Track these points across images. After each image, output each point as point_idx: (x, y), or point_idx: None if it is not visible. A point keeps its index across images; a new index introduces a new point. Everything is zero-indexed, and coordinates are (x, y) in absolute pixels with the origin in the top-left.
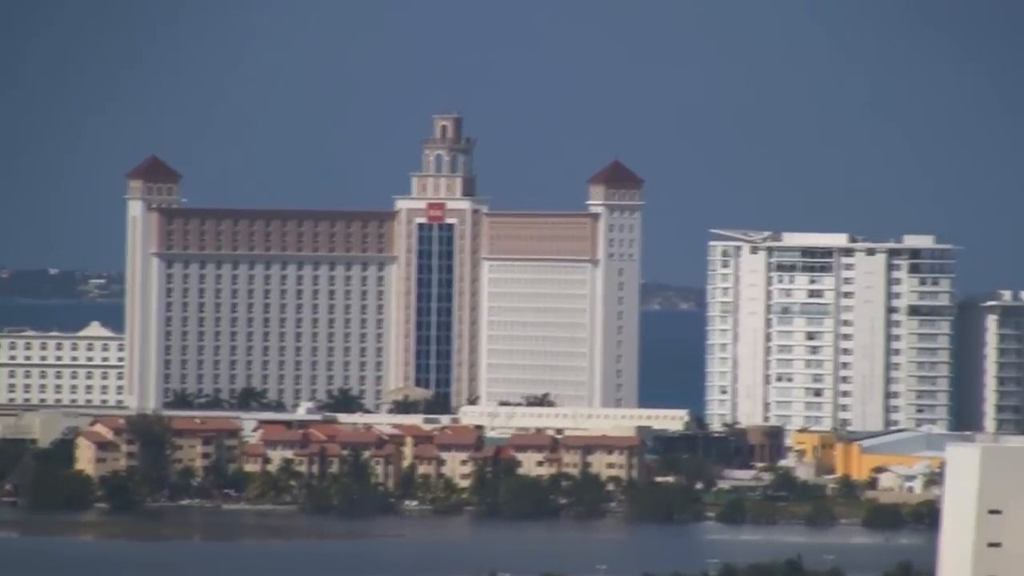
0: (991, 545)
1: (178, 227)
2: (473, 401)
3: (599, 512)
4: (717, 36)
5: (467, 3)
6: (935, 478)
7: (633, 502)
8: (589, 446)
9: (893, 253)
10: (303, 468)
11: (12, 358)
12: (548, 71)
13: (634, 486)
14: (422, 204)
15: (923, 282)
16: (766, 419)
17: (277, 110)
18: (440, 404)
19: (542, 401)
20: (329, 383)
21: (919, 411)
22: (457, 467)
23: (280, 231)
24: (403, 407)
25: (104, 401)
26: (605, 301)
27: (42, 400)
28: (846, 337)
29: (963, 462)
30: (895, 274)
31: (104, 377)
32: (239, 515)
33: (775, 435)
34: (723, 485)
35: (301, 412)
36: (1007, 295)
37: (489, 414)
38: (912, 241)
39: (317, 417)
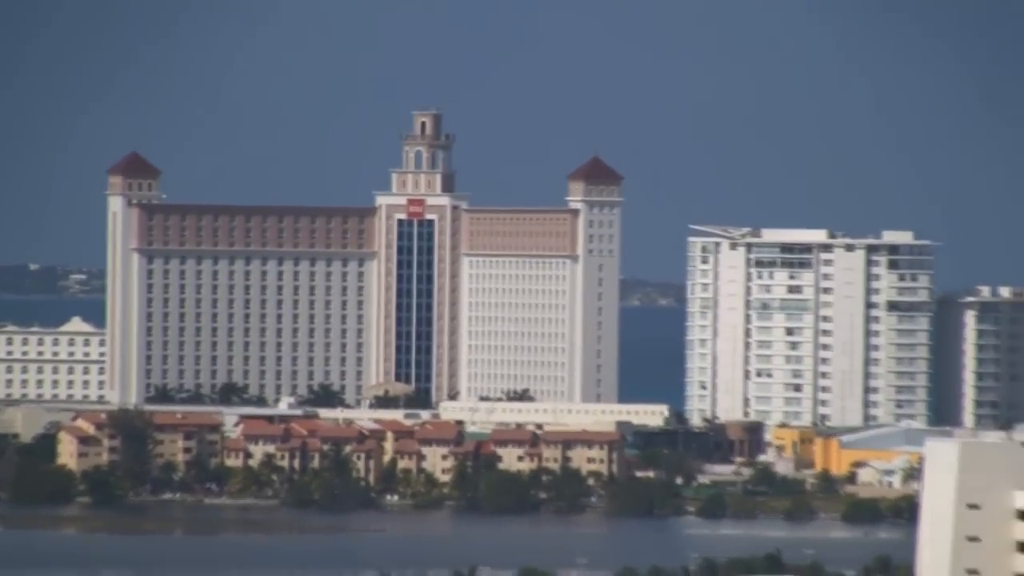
0: (970, 539)
1: (158, 223)
2: (453, 396)
3: (579, 507)
4: (696, 34)
5: (448, 1)
6: (914, 473)
7: (613, 497)
8: (569, 441)
9: (872, 249)
10: (284, 463)
11: None
12: (528, 68)
13: (614, 481)
14: (402, 200)
15: (902, 278)
16: (746, 414)
17: (257, 107)
18: (421, 399)
19: (522, 396)
20: (310, 378)
21: (898, 406)
22: (438, 462)
23: (260, 227)
24: (384, 402)
25: (86, 396)
26: (585, 297)
27: (24, 395)
28: (825, 333)
29: (942, 457)
30: (874, 270)
31: (86, 372)
32: (220, 509)
33: (755, 430)
34: (703, 480)
35: (282, 407)
36: (985, 291)
37: (470, 409)
38: (891, 237)
39: (298, 412)
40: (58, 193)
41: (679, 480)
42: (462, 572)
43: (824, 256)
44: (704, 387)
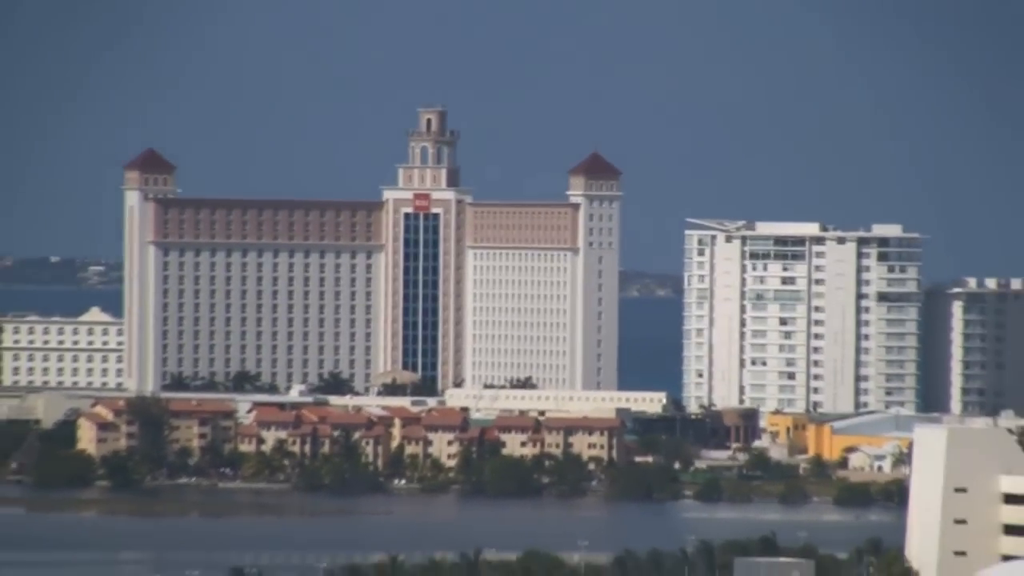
0: (957, 522)
1: (174, 217)
2: (459, 384)
3: (580, 491)
4: (693, 33)
5: (453, 3)
6: (903, 458)
7: (613, 481)
8: (571, 427)
9: (863, 242)
10: (296, 448)
11: (16, 342)
12: (530, 67)
13: (614, 466)
14: (408, 194)
15: (891, 270)
16: (741, 401)
17: (269, 105)
18: (427, 387)
19: (525, 384)
20: (320, 367)
21: (888, 394)
22: (444, 447)
23: (272, 220)
24: (391, 390)
25: (104, 384)
26: (585, 288)
27: (45, 382)
28: (818, 323)
29: (930, 443)
30: (864, 262)
31: (104, 360)
32: (234, 493)
33: (750, 417)
34: (700, 465)
35: (293, 394)
36: (972, 282)
37: (474, 396)
38: (881, 230)
39: (309, 399)
40: (77, 188)
41: (677, 465)
42: (467, 554)
43: (816, 249)
44: (701, 375)
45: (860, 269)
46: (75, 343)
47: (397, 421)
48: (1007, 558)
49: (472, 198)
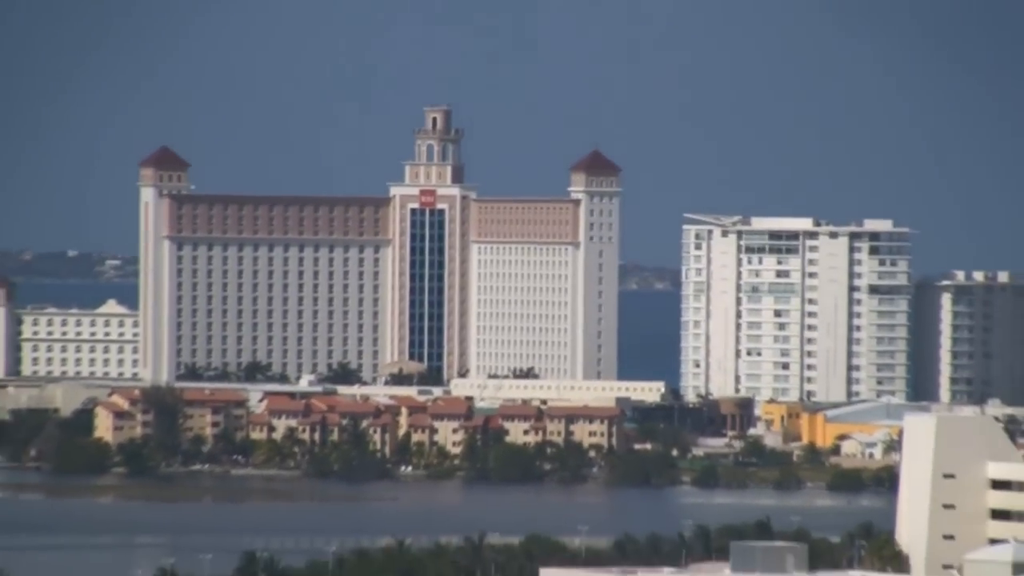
0: (946, 507)
1: (188, 212)
2: (464, 374)
3: (581, 477)
4: (691, 34)
5: (457, 5)
6: (894, 445)
7: (613, 468)
8: (572, 416)
9: (854, 236)
10: (305, 436)
11: (35, 333)
12: (532, 67)
13: (614, 453)
14: (415, 191)
15: (882, 263)
16: (737, 391)
17: (280, 104)
18: (433, 377)
19: (528, 374)
20: (329, 357)
21: (879, 383)
22: (449, 435)
23: (283, 216)
24: (398, 379)
25: (120, 374)
26: (586, 281)
27: (63, 373)
28: (811, 314)
29: (920, 430)
30: (856, 256)
31: (120, 351)
32: (246, 479)
33: (745, 405)
34: (697, 452)
35: (303, 384)
36: (960, 275)
37: (479, 386)
38: (872, 225)
39: (318, 389)
40: (94, 185)
41: (675, 452)
42: (472, 538)
43: (810, 243)
44: (698, 365)
45: (852, 262)
46: (92, 335)
47: (404, 410)
48: (994, 541)
49: (476, 194)
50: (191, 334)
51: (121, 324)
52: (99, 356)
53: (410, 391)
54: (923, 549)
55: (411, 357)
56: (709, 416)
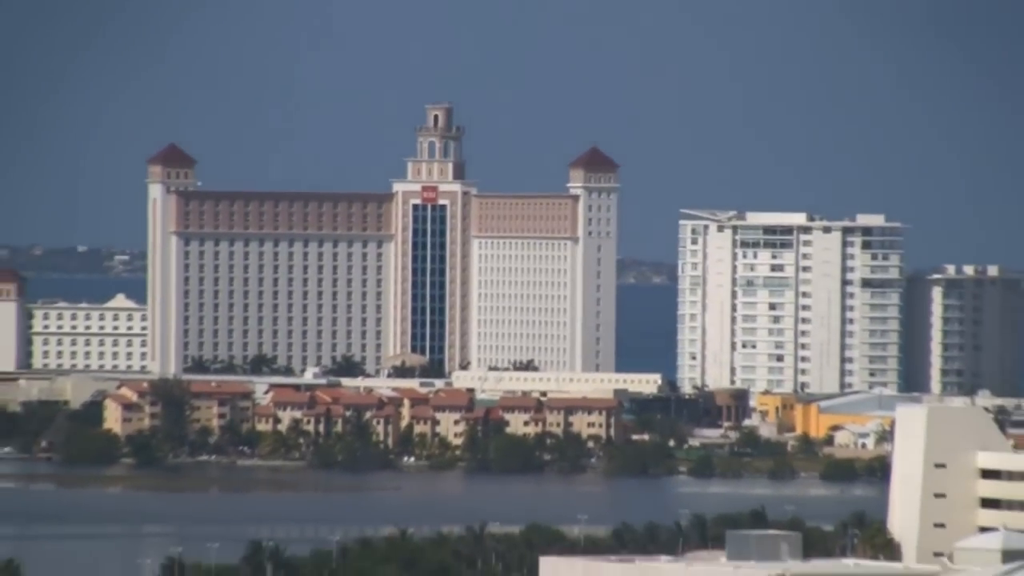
0: (937, 496)
1: (194, 208)
2: (465, 366)
3: (580, 467)
4: (688, 31)
5: (458, 5)
6: (886, 435)
7: (611, 458)
8: (571, 407)
9: (847, 231)
10: (310, 427)
11: (46, 327)
12: (531, 65)
13: (612, 444)
14: (417, 187)
15: (875, 257)
16: (732, 382)
17: (285, 102)
18: (435, 369)
19: (528, 366)
20: (333, 350)
21: (871, 375)
22: (450, 426)
23: (288, 211)
24: (401, 372)
25: (129, 366)
26: (584, 275)
27: (73, 365)
28: (805, 308)
29: (911, 421)
30: (849, 250)
31: (129, 345)
32: (252, 470)
33: (740, 397)
34: (693, 443)
35: (308, 376)
36: (951, 269)
37: (479, 378)
38: (864, 220)
39: (323, 381)
40: (103, 182)
41: (671, 443)
42: (473, 527)
43: (804, 237)
44: (694, 357)
45: (845, 257)
46: (101, 328)
47: (406, 401)
48: (983, 529)
49: (477, 190)
50: (198, 328)
51: (130, 318)
52: (108, 349)
53: (412, 383)
54: (915, 537)
55: (413, 350)
56: (705, 407)
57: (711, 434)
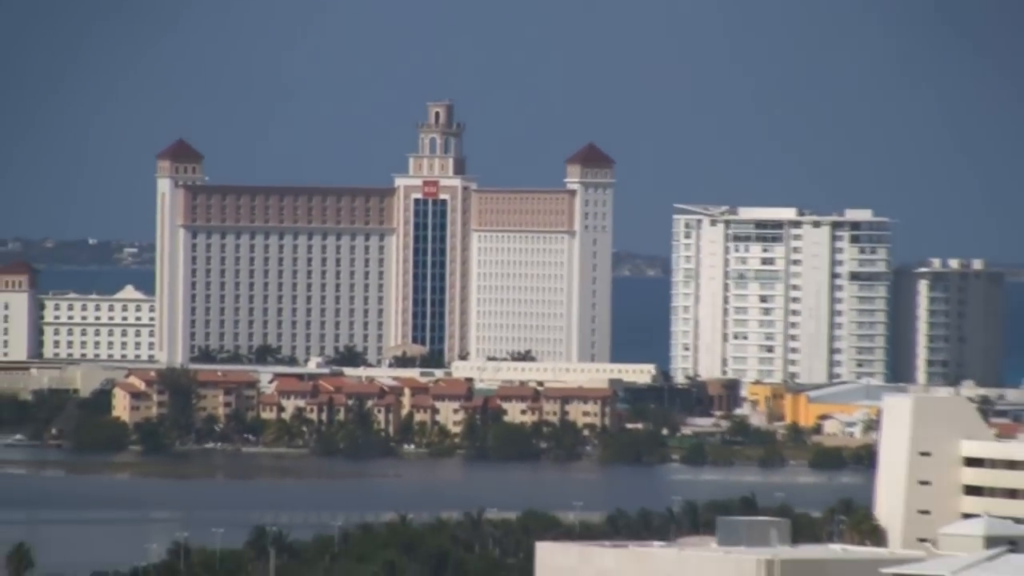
0: (921, 483)
1: (202, 202)
2: (464, 356)
3: (576, 455)
4: (682, 30)
5: (460, 5)
6: (873, 424)
7: (606, 446)
8: (567, 396)
9: (836, 225)
10: (313, 416)
11: (56, 318)
12: (531, 63)
13: (607, 432)
14: (418, 182)
15: (863, 251)
16: (724, 372)
17: (290, 99)
18: (435, 359)
19: (525, 356)
20: (336, 340)
21: (859, 365)
22: (450, 415)
23: (292, 205)
24: (402, 362)
25: (137, 356)
26: (581, 268)
27: (83, 355)
28: (795, 300)
29: (897, 410)
30: (838, 244)
31: (137, 335)
32: (256, 457)
33: (732, 387)
34: (686, 431)
35: (311, 366)
36: (936, 263)
37: (478, 368)
38: (853, 215)
39: (326, 371)
40: (113, 176)
41: (665, 431)
42: (471, 513)
43: (794, 232)
44: (687, 348)
45: (834, 251)
46: (110, 319)
47: (407, 391)
48: (967, 516)
49: (477, 185)
50: (204, 318)
51: (138, 309)
52: (117, 339)
53: (413, 373)
54: (900, 523)
55: (414, 340)
56: (697, 397)
57: (703, 423)
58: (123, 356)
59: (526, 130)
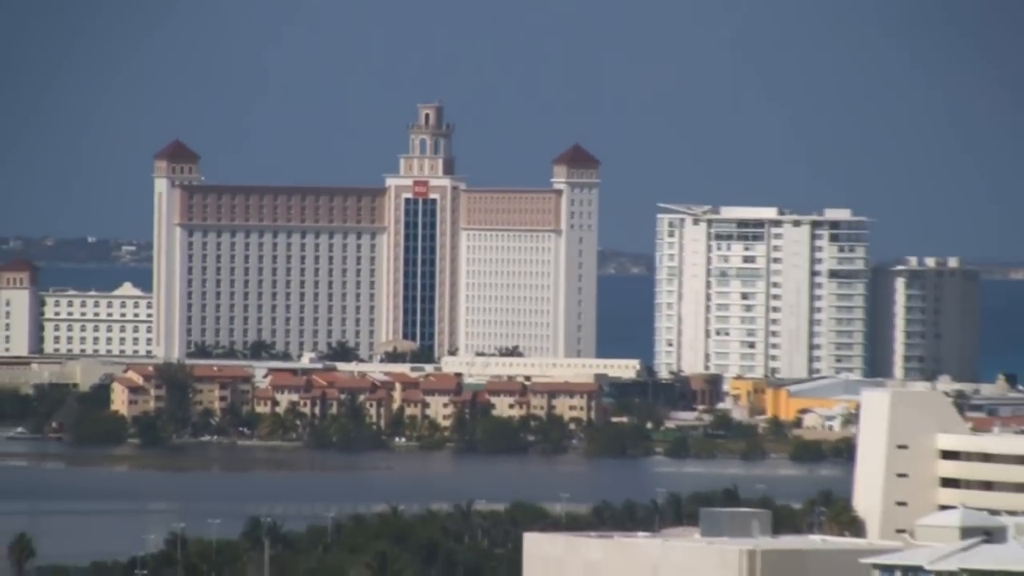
0: (899, 475)
1: (198, 201)
2: (453, 352)
3: (562, 448)
4: (665, 34)
5: (448, 7)
6: (852, 418)
7: (592, 440)
8: (554, 391)
9: (816, 224)
10: (307, 410)
11: (57, 314)
12: (519, 67)
13: (592, 426)
14: (408, 182)
15: (841, 249)
16: (706, 368)
17: (284, 102)
18: (425, 355)
19: (513, 352)
20: (329, 336)
21: (838, 361)
22: (440, 409)
23: (286, 205)
24: (393, 357)
25: (135, 351)
26: (567, 266)
27: (82, 350)
28: (775, 297)
29: (876, 404)
30: (817, 243)
31: (135, 331)
32: (251, 450)
33: (714, 381)
34: (669, 425)
35: (305, 361)
36: (913, 261)
37: (467, 363)
38: (832, 214)
39: (319, 366)
40: (111, 176)
41: (649, 425)
42: (461, 505)
43: (774, 231)
44: (670, 344)
45: (813, 249)
46: (109, 315)
47: (398, 385)
48: (943, 507)
49: (466, 185)
50: (200, 315)
51: (136, 305)
52: (115, 335)
53: (403, 368)
54: (878, 515)
55: (405, 336)
56: (680, 391)
57: (686, 417)
58: (121, 351)
59: (514, 132)
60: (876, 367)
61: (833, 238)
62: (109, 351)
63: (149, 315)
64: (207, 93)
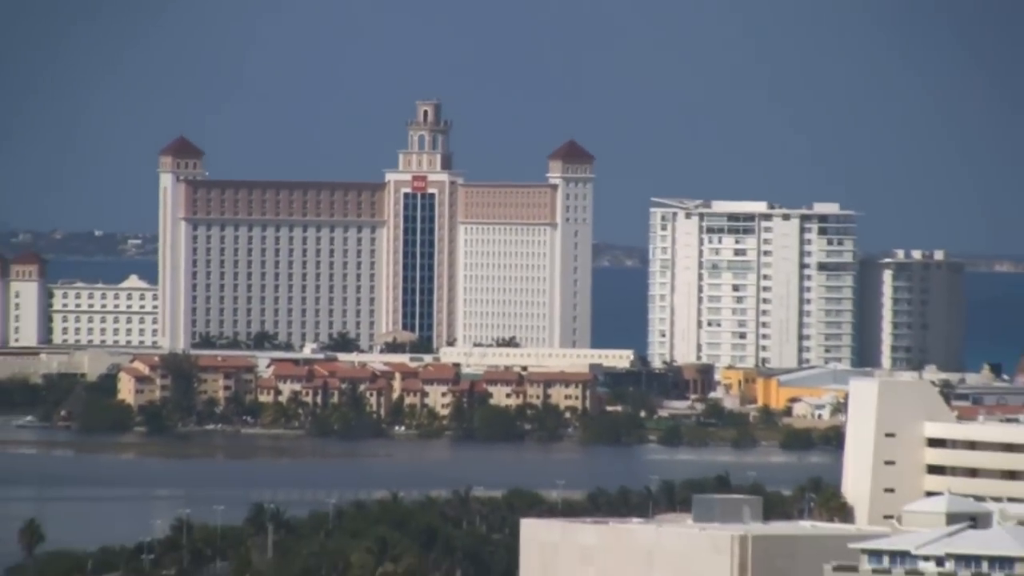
0: (887, 463)
1: (202, 196)
2: (452, 343)
3: (558, 436)
4: (660, 31)
5: (448, 6)
6: (840, 407)
7: (587, 428)
8: (549, 380)
9: (805, 218)
10: (308, 399)
11: (65, 306)
12: (515, 64)
13: (587, 414)
14: (407, 177)
15: (830, 242)
16: (699, 358)
17: (286, 97)
18: (424, 345)
19: (510, 342)
20: (330, 327)
21: (827, 351)
22: (438, 398)
23: (288, 199)
24: (392, 348)
25: (141, 342)
26: (562, 258)
27: (90, 341)
28: (766, 289)
29: (864, 393)
30: (807, 236)
31: (141, 322)
32: (255, 438)
33: (706, 371)
34: (663, 413)
35: (307, 352)
36: (900, 254)
37: (465, 353)
38: (821, 208)
39: (320, 356)
40: (118, 171)
41: (642, 414)
42: (459, 491)
43: (765, 224)
44: (663, 335)
45: (803, 242)
46: (116, 306)
47: (397, 375)
48: (930, 494)
49: (463, 180)
50: (205, 306)
51: (142, 297)
52: (122, 326)
53: (403, 358)
54: (866, 501)
55: (404, 327)
56: (673, 381)
57: (679, 406)
58: (128, 342)
59: (510, 128)
60: (864, 357)
61: (822, 231)
62: (116, 342)
63: (155, 307)
64: (211, 90)
